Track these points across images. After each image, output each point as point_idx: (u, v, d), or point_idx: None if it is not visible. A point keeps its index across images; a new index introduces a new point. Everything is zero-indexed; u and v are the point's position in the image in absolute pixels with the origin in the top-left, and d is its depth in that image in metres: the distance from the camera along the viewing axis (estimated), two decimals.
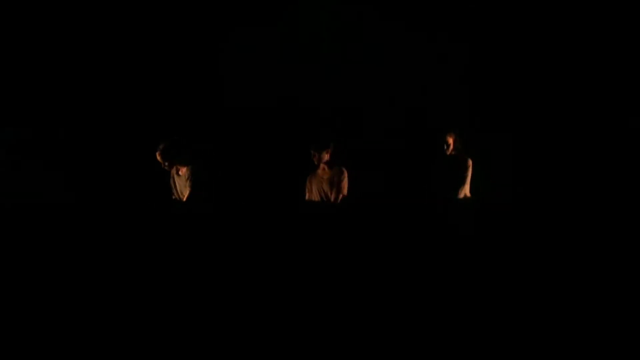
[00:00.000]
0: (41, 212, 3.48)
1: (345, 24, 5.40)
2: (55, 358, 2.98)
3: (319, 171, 4.49)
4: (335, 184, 4.39)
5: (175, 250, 3.25)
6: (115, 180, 5.36)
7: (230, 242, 3.27)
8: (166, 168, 4.47)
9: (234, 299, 3.13)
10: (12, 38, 5.46)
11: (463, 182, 4.43)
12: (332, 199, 4.38)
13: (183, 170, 4.48)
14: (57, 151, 5.51)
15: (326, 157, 4.41)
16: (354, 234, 3.27)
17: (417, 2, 5.35)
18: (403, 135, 5.28)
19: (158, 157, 4.37)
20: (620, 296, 2.97)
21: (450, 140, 4.43)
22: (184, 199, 4.42)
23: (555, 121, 5.21)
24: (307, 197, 4.53)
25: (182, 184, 4.50)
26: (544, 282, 3.06)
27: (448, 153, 4.46)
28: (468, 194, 4.46)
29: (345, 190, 4.39)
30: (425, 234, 3.26)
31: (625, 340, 2.85)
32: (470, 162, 4.46)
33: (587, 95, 5.16)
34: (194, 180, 4.36)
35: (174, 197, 4.60)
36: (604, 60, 5.14)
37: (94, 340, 3.01)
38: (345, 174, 4.40)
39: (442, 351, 2.92)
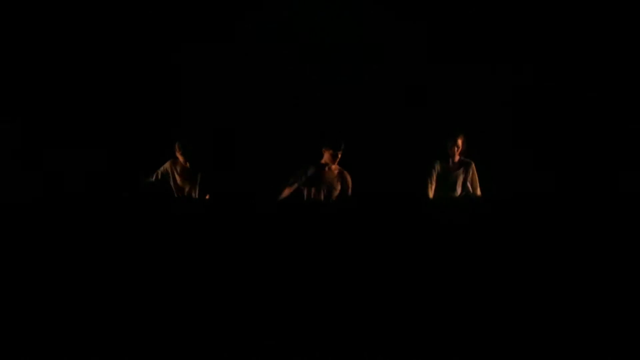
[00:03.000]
0: (33, 210, 3.49)
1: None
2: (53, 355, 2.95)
3: (326, 170, 4.48)
4: (342, 185, 4.44)
5: (178, 247, 3.26)
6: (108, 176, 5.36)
7: (236, 241, 3.28)
8: (180, 162, 4.68)
9: (238, 297, 3.13)
10: None
11: (470, 184, 4.46)
12: (341, 198, 4.41)
13: (182, 166, 4.69)
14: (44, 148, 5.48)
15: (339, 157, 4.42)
16: (360, 233, 3.28)
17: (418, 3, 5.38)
18: (404, 136, 5.32)
19: (177, 151, 4.64)
20: (620, 296, 3.00)
21: (460, 142, 4.42)
22: (182, 193, 4.67)
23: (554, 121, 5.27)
24: (308, 192, 4.47)
25: (182, 180, 4.68)
26: (548, 279, 3.08)
27: (457, 156, 4.44)
28: (479, 194, 4.48)
29: (350, 191, 4.46)
30: (429, 234, 3.27)
31: (624, 339, 2.87)
32: (473, 165, 4.49)
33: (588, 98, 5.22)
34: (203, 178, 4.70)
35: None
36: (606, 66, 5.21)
37: (92, 338, 2.99)
38: (349, 176, 4.47)
39: (444, 350, 2.92)
